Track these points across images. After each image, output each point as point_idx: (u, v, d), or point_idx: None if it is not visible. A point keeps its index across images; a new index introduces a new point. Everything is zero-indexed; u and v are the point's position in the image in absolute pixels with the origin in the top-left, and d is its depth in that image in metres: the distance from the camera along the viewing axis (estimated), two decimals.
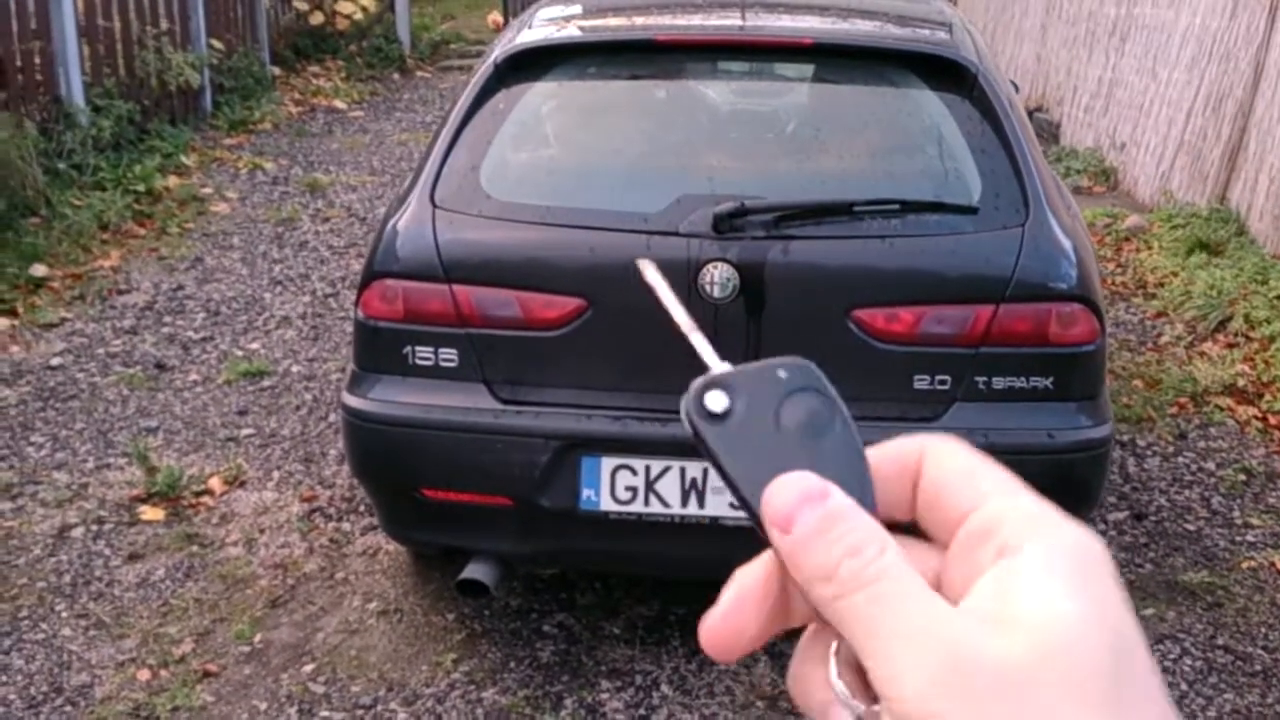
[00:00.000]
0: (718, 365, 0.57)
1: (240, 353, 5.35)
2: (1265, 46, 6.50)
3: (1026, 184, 2.91)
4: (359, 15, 12.33)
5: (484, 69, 3.20)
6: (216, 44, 9.89)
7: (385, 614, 3.49)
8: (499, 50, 3.24)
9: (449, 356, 2.93)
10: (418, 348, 2.94)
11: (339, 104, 10.70)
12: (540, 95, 3.22)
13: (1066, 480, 2.90)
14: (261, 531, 3.91)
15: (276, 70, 11.22)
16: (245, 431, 4.60)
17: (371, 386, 3.00)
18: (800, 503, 0.49)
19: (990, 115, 3.00)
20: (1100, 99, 8.81)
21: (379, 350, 3.00)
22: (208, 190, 7.94)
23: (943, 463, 0.53)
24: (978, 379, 2.83)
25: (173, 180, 7.95)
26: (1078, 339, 2.84)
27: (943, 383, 2.83)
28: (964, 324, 2.82)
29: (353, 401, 3.01)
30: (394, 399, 2.97)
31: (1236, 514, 3.99)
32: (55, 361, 5.24)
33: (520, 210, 2.98)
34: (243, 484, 4.21)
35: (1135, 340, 5.56)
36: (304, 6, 12.36)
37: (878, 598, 0.46)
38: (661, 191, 2.96)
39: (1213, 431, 4.58)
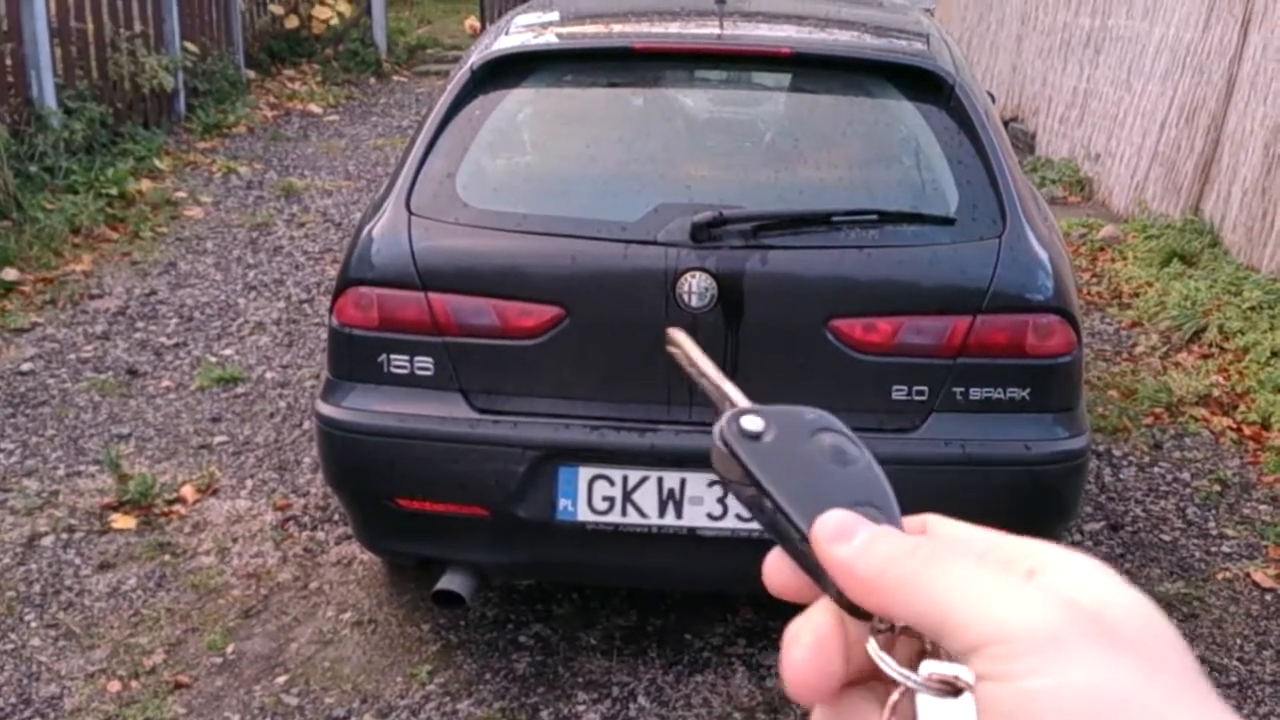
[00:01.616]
0: (748, 405, 0.59)
1: (214, 359, 5.30)
2: (1238, 59, 6.54)
3: (1003, 195, 2.91)
4: (335, 20, 12.28)
5: (460, 75, 3.18)
6: (191, 47, 9.83)
7: (359, 624, 3.46)
8: (475, 56, 3.22)
9: (425, 365, 2.91)
10: (393, 356, 2.92)
11: (314, 108, 10.65)
12: (517, 102, 3.20)
13: (1044, 492, 2.90)
14: (234, 540, 3.88)
15: (251, 74, 11.17)
16: (218, 439, 4.56)
17: (346, 395, 2.98)
18: (857, 519, 0.52)
19: (967, 126, 3.00)
20: (1075, 109, 8.85)
21: (354, 358, 2.98)
22: (181, 194, 7.88)
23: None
24: (955, 390, 2.82)
25: (146, 184, 7.89)
26: (1055, 350, 2.84)
27: (920, 393, 2.83)
28: (941, 335, 2.81)
29: (327, 410, 2.99)
30: (369, 408, 2.94)
31: (1212, 525, 4.00)
32: (25, 367, 5.18)
33: (497, 218, 2.96)
34: (216, 492, 4.17)
35: (1110, 350, 5.59)
36: (279, 10, 12.31)
37: (958, 562, 0.47)
38: (639, 200, 2.94)
39: (1188, 442, 4.60)
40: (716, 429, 0.57)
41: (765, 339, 2.83)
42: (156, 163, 8.35)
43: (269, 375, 5.15)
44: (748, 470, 0.55)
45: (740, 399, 0.60)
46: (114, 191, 7.51)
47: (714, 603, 3.49)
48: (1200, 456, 4.49)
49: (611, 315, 2.86)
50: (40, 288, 6.10)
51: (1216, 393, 4.93)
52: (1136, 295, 6.18)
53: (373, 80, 12.32)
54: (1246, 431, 4.64)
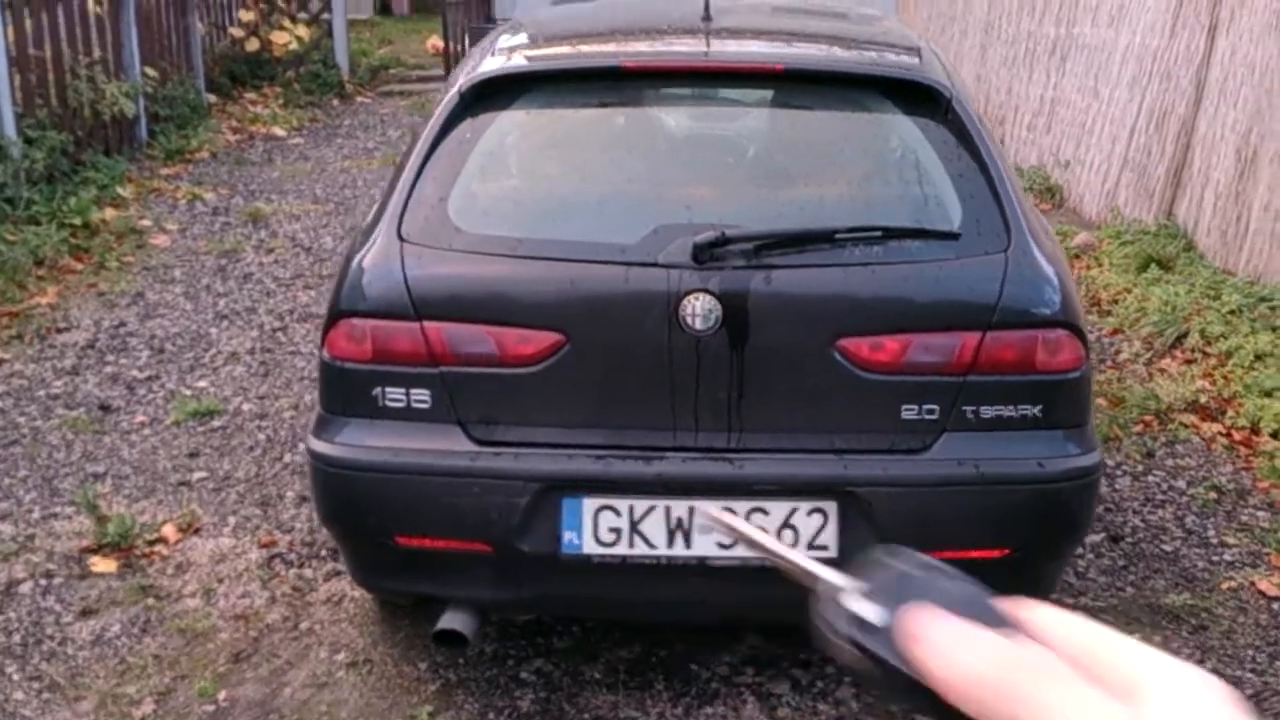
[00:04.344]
0: (844, 579, 0.61)
1: (188, 391, 5.19)
2: (1206, 65, 6.57)
3: (1006, 209, 2.86)
4: (294, 44, 12.16)
5: (448, 98, 3.10)
6: (150, 72, 9.68)
7: (354, 665, 3.36)
8: (463, 79, 3.15)
9: (421, 397, 2.82)
10: (388, 389, 2.83)
11: (278, 131, 10.52)
12: (507, 124, 3.12)
13: (1057, 510, 2.85)
14: (220, 581, 3.77)
15: (212, 98, 11.03)
16: (197, 475, 4.45)
17: (339, 430, 2.89)
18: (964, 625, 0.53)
19: (965, 139, 2.95)
20: (1043, 117, 8.88)
21: (347, 392, 2.89)
22: (146, 222, 7.75)
23: None
24: (966, 408, 2.77)
25: (109, 212, 7.74)
26: (1064, 365, 2.80)
27: (930, 412, 2.77)
28: (950, 352, 2.76)
29: (319, 446, 2.90)
30: (364, 443, 2.86)
31: (1212, 533, 3.97)
32: None
33: (492, 243, 2.88)
34: (197, 531, 4.06)
35: (1095, 358, 5.56)
36: (239, 33, 12.18)
37: (1061, 684, 0.49)
38: (638, 221, 2.88)
39: (1179, 449, 4.58)
40: (823, 618, 0.59)
41: (771, 361, 2.77)
42: (120, 190, 8.20)
43: (246, 407, 5.04)
44: (878, 658, 0.56)
45: (830, 574, 0.61)
46: (77, 221, 7.37)
47: (718, 631, 3.42)
48: (1193, 464, 4.46)
49: (613, 340, 2.79)
50: (5, 322, 5.95)
51: (1204, 399, 4.92)
52: (1115, 302, 6.17)
53: (336, 101, 12.19)
54: (1237, 437, 4.62)
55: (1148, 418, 4.85)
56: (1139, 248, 6.61)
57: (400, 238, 2.89)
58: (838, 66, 3.13)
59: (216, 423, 4.89)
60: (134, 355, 5.62)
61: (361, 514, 2.92)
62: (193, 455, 4.61)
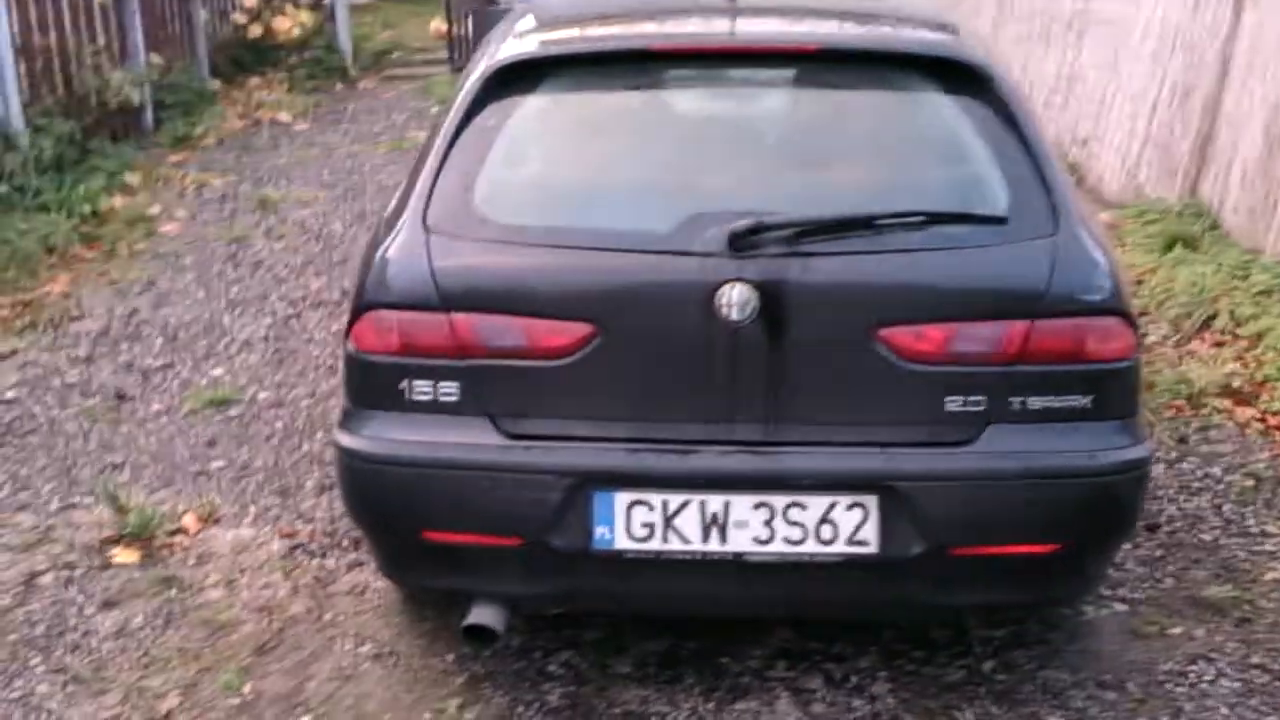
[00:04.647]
0: None
1: (203, 380, 5.13)
2: (1232, 38, 6.47)
3: (1053, 191, 2.79)
4: (296, 30, 12.07)
5: (471, 84, 3.03)
6: (155, 59, 9.61)
7: (379, 657, 3.31)
8: (485, 63, 3.07)
9: (449, 390, 2.76)
10: (415, 381, 2.77)
11: (283, 116, 10.43)
12: (533, 110, 3.05)
13: (1107, 504, 2.79)
14: (242, 572, 3.71)
15: (217, 84, 10.95)
16: (216, 464, 4.39)
17: (366, 424, 2.83)
18: None
19: (1009, 119, 2.87)
20: (1059, 95, 8.77)
21: (374, 386, 2.83)
22: (155, 210, 7.68)
23: None
24: (1013, 399, 2.70)
25: (119, 200, 7.68)
26: (1115, 354, 2.73)
27: (976, 404, 2.70)
28: (996, 341, 2.69)
29: (347, 441, 2.84)
30: (391, 437, 2.79)
31: (1251, 522, 3.90)
32: (10, 395, 4.99)
33: (520, 232, 2.82)
34: (218, 521, 4.01)
35: None
36: (242, 19, 12.09)
37: None
38: (671, 208, 2.81)
39: (1213, 434, 4.50)
40: None
41: (810, 351, 2.70)
42: (128, 178, 8.13)
43: (262, 395, 4.98)
44: None
45: None
46: (87, 209, 7.31)
47: (749, 623, 3.35)
48: (1228, 450, 4.39)
49: (646, 331, 2.72)
50: (18, 311, 5.90)
51: (1237, 382, 4.83)
52: (1140, 283, 6.08)
53: (339, 86, 12.09)
54: (1271, 422, 4.54)
55: (1179, 402, 4.77)
56: (1163, 227, 6.51)
57: (426, 228, 2.83)
58: (874, 45, 3.05)
59: (233, 411, 4.83)
60: (148, 343, 5.56)
61: (389, 509, 2.86)
62: (210, 444, 4.55)
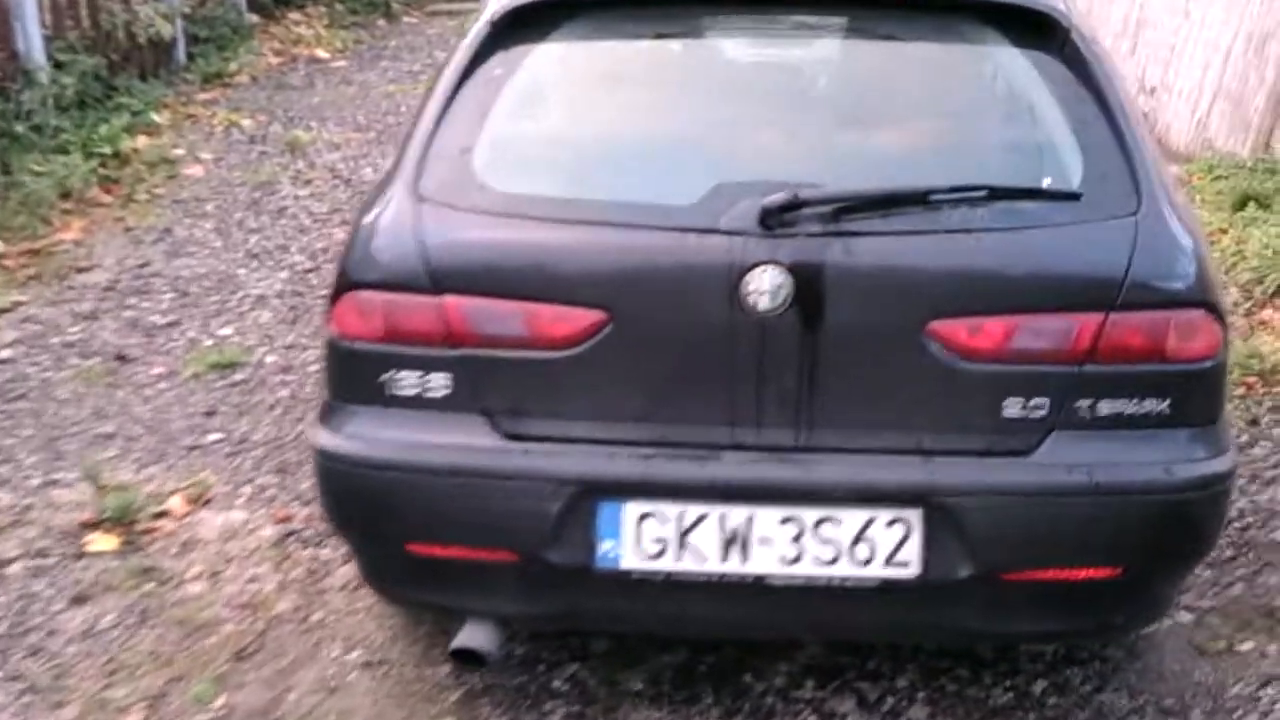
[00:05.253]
0: None
1: (210, 341, 4.83)
2: None
3: (1136, 163, 2.38)
4: None
5: (477, 28, 2.65)
6: None
7: (369, 666, 3.00)
8: (493, 6, 2.69)
9: (439, 383, 2.42)
10: (401, 372, 2.43)
11: (321, 53, 10.09)
12: (546, 60, 2.67)
13: (1184, 523, 2.41)
14: (228, 562, 3.41)
15: (254, 18, 10.59)
16: (212, 437, 4.09)
17: (347, 420, 2.49)
18: None
19: (1088, 79, 2.47)
20: (1126, 39, 8.24)
21: (355, 376, 2.49)
22: (180, 151, 7.38)
23: None
24: (1080, 404, 2.32)
25: (142, 141, 7.37)
26: (1199, 353, 2.33)
27: (1038, 408, 2.32)
28: (1065, 337, 2.30)
29: (324, 439, 2.50)
30: (373, 435, 2.45)
31: None
32: (4, 354, 4.72)
33: (524, 203, 2.45)
34: (208, 502, 3.71)
35: None
36: None
37: None
38: (695, 178, 2.42)
39: None
40: None
41: (851, 346, 2.32)
42: (154, 117, 7.82)
43: (270, 359, 4.67)
44: None
45: None
46: (107, 150, 7.00)
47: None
48: None
49: (663, 320, 2.35)
50: (25, 260, 5.62)
51: None
52: (1210, 244, 5.61)
53: (382, 22, 11.71)
54: None
55: (1250, 379, 4.36)
56: (1234, 183, 6.05)
57: (417, 195, 2.47)
58: None
59: (237, 376, 4.53)
60: (156, 298, 5.26)
61: (371, 517, 2.53)
62: (209, 414, 4.25)
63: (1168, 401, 2.34)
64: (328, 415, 2.54)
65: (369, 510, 2.51)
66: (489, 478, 2.40)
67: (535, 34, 2.65)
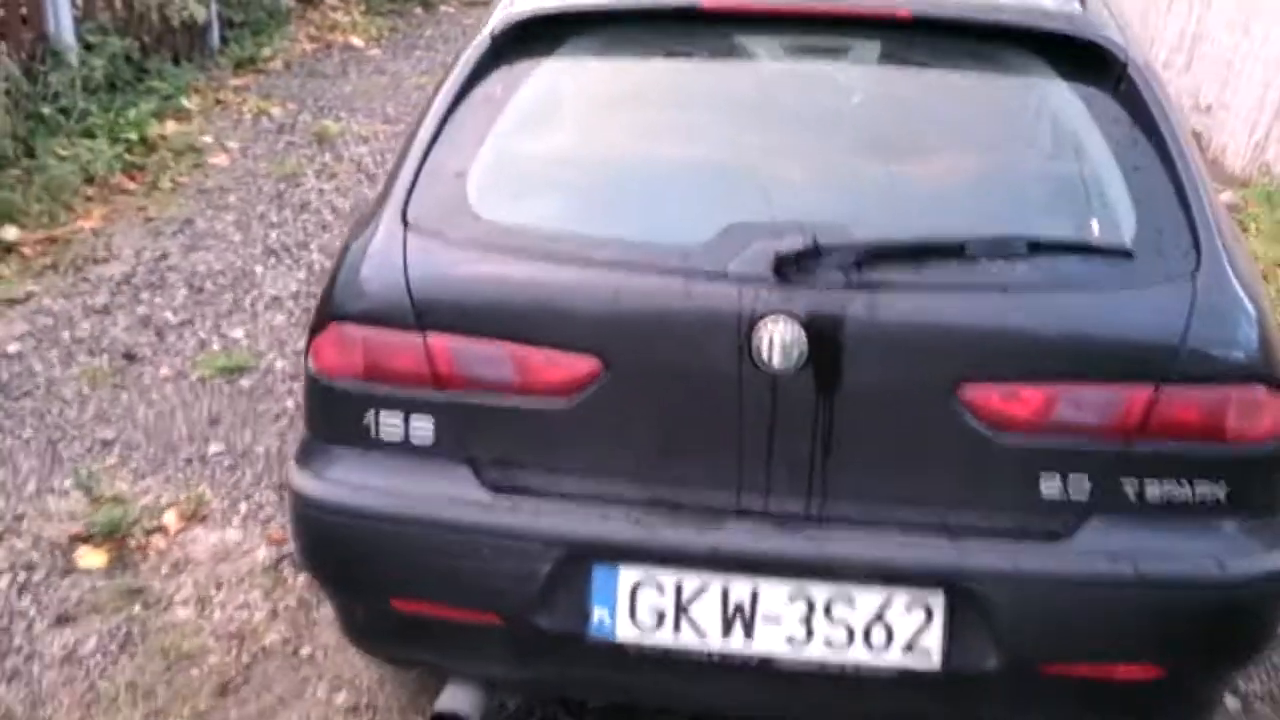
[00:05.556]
0: None
1: (219, 343, 4.69)
2: None
3: (1196, 216, 2.18)
4: None
5: (477, 41, 2.49)
6: None
7: (355, 711, 2.86)
8: (496, 17, 2.52)
9: (422, 428, 2.25)
10: (383, 413, 2.27)
11: (356, 41, 9.93)
12: (549, 80, 2.49)
13: (1236, 623, 2.19)
14: (218, 586, 3.28)
15: (292, 2, 10.45)
16: (214, 448, 3.95)
17: (326, 463, 2.33)
18: None
19: (1145, 120, 2.26)
20: (1181, 54, 7.96)
21: (334, 415, 2.33)
22: (207, 139, 7.24)
23: None
24: (1125, 485, 2.12)
25: (170, 126, 7.24)
26: (1262, 434, 2.12)
27: (1078, 488, 2.12)
28: (1111, 410, 2.10)
29: (300, 481, 2.34)
30: (352, 481, 2.29)
31: None
32: (13, 348, 4.60)
33: (519, 235, 2.27)
34: (203, 519, 3.58)
35: None
36: None
37: None
38: (705, 216, 2.24)
39: None
40: None
41: (870, 409, 2.14)
42: (184, 102, 7.70)
43: (279, 365, 4.54)
44: None
45: None
46: (134, 136, 6.88)
47: None
48: None
49: (665, 371, 2.18)
50: (42, 249, 5.51)
51: None
52: (1266, 279, 5.36)
53: (419, 10, 11.52)
54: None
55: None
56: None
57: (405, 222, 2.30)
58: (981, 15, 2.41)
59: (245, 382, 4.40)
60: (170, 294, 5.14)
61: (349, 569, 2.37)
62: (213, 422, 4.12)
63: (1223, 486, 2.13)
64: (306, 455, 2.38)
65: (350, 561, 2.35)
66: (472, 534, 2.23)
67: (539, 50, 2.48)
